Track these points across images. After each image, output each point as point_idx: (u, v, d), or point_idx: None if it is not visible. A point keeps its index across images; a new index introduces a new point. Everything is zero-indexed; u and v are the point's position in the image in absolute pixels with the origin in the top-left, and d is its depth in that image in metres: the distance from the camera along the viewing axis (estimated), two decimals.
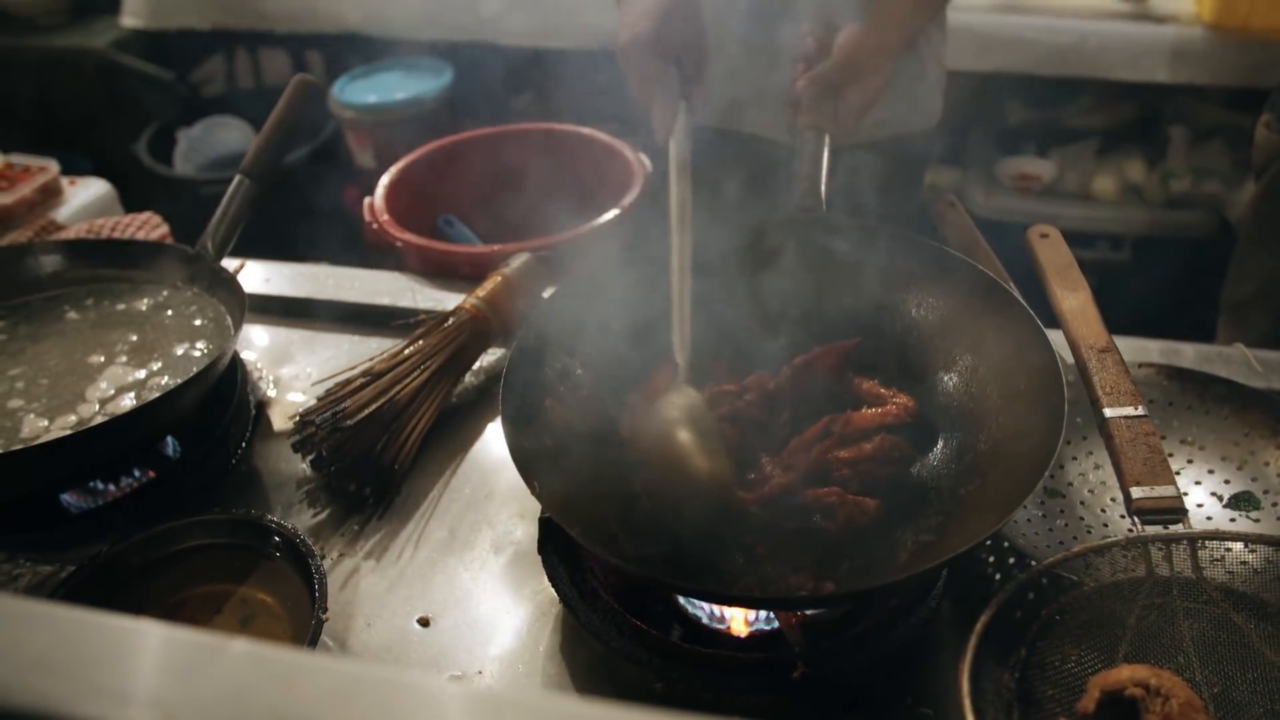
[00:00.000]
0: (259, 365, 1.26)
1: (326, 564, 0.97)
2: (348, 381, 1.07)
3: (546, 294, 1.01)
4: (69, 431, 0.96)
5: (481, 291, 1.18)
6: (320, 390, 1.08)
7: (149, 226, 1.43)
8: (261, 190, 1.19)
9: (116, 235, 1.42)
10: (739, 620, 0.87)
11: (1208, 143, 2.42)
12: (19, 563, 0.98)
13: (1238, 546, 0.75)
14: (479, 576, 0.96)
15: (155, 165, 2.76)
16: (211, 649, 0.35)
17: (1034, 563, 0.77)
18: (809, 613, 0.85)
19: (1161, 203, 2.44)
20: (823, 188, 1.04)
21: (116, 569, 0.89)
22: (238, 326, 1.06)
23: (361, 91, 2.73)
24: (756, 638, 0.86)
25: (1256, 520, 0.94)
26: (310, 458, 1.04)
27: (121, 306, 1.16)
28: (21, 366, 1.07)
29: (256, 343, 1.31)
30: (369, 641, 0.89)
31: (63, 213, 1.58)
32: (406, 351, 1.10)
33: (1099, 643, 0.71)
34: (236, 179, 1.18)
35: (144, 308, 1.15)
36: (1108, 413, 0.84)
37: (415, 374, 1.08)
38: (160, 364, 1.06)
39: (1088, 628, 0.72)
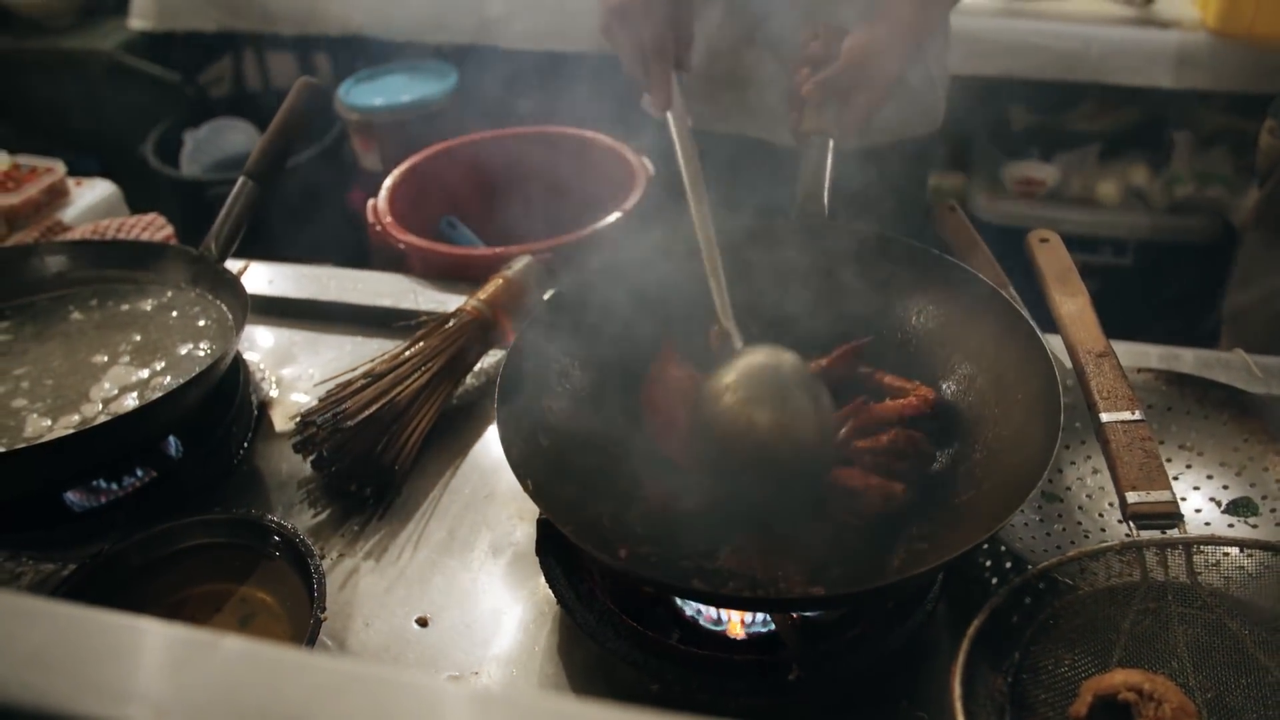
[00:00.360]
0: (262, 366, 1.27)
1: (326, 564, 0.98)
2: (349, 382, 1.07)
3: (546, 295, 1.02)
4: (71, 431, 0.97)
5: (482, 294, 1.19)
6: (322, 391, 1.08)
7: (154, 228, 1.44)
8: (265, 192, 1.19)
9: (121, 236, 1.43)
10: (735, 622, 0.87)
11: (1211, 148, 2.42)
12: (21, 561, 0.99)
13: (1233, 552, 0.75)
14: (478, 577, 0.96)
15: (161, 166, 2.78)
16: (204, 646, 0.36)
17: (1030, 566, 0.77)
18: (802, 615, 0.86)
19: (1165, 208, 2.43)
20: (825, 194, 1.04)
21: (117, 568, 0.90)
22: (240, 327, 1.06)
23: (367, 94, 2.74)
24: (753, 640, 0.86)
25: (1255, 526, 0.94)
26: (311, 458, 1.05)
27: (126, 307, 1.16)
28: (26, 366, 1.08)
29: (260, 343, 1.32)
30: (367, 641, 0.90)
31: (69, 213, 1.59)
32: (407, 353, 1.11)
33: (1093, 647, 0.72)
34: (240, 181, 1.18)
35: (148, 308, 1.16)
36: (1104, 417, 0.84)
37: (416, 375, 1.08)
38: (163, 364, 1.07)
39: (1082, 632, 0.72)
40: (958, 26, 1.54)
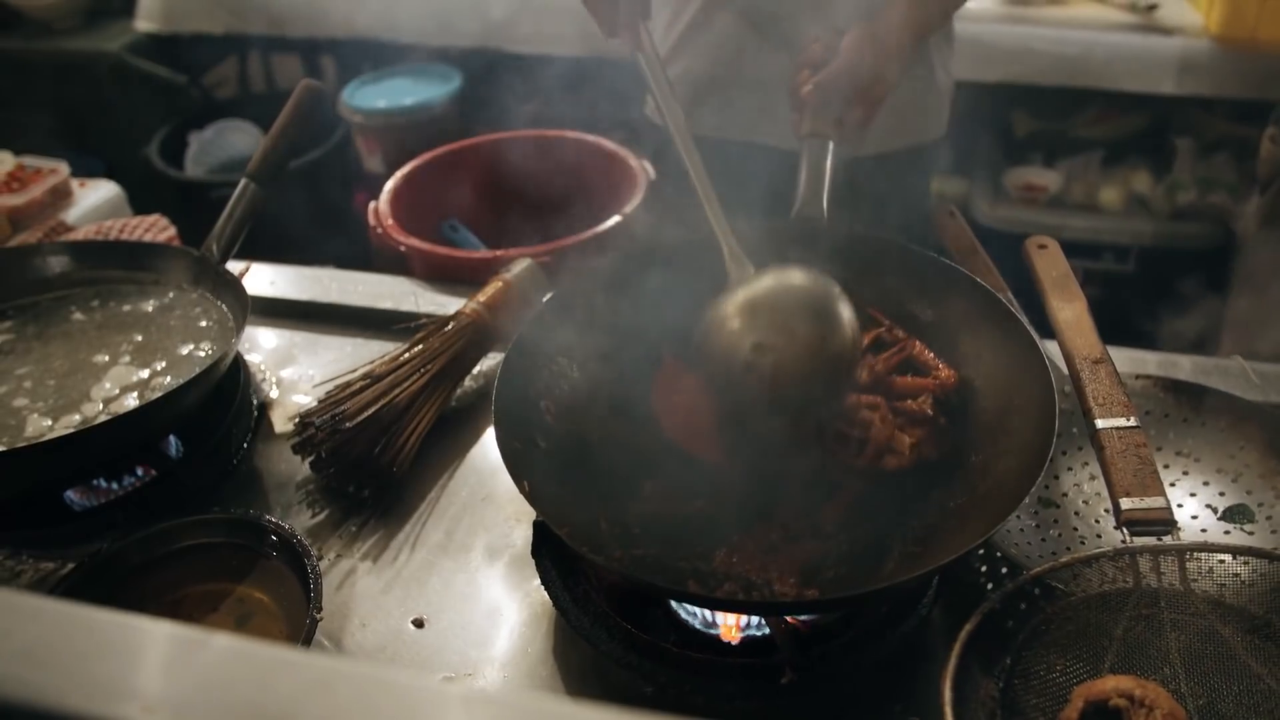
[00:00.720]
0: (262, 367, 1.27)
1: (324, 564, 0.98)
2: (348, 384, 1.08)
3: (545, 297, 1.02)
4: (72, 430, 0.97)
5: (482, 296, 1.19)
6: (322, 392, 1.09)
7: (156, 229, 1.45)
8: (267, 194, 1.20)
9: (124, 237, 1.44)
10: (730, 626, 0.87)
11: (1214, 155, 2.41)
12: (21, 559, 1.00)
13: (1226, 559, 0.75)
14: (474, 579, 0.97)
15: (166, 168, 2.79)
16: (193, 643, 0.36)
17: (1024, 572, 0.77)
18: (796, 619, 0.86)
19: (1167, 214, 2.43)
20: (825, 197, 1.04)
21: (116, 567, 0.90)
22: (240, 328, 1.07)
23: (371, 96, 2.75)
24: (747, 643, 0.86)
25: (1250, 534, 0.94)
26: (310, 459, 1.05)
27: (127, 308, 1.17)
28: (28, 366, 1.08)
29: (261, 344, 1.32)
30: (363, 641, 0.90)
31: (72, 214, 1.60)
32: (406, 355, 1.11)
33: (1085, 653, 0.72)
34: (242, 183, 1.19)
35: (149, 309, 1.17)
36: (1099, 424, 0.84)
37: (415, 377, 1.09)
38: (164, 364, 1.08)
39: (1074, 638, 0.72)
40: (961, 32, 1.55)
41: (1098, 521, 0.97)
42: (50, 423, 1.00)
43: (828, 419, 0.88)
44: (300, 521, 1.04)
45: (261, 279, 1.40)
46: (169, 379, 1.05)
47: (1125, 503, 0.77)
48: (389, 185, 1.53)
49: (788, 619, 0.84)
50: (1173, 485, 1.00)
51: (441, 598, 0.95)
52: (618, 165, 1.56)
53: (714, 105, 1.49)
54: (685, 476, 0.90)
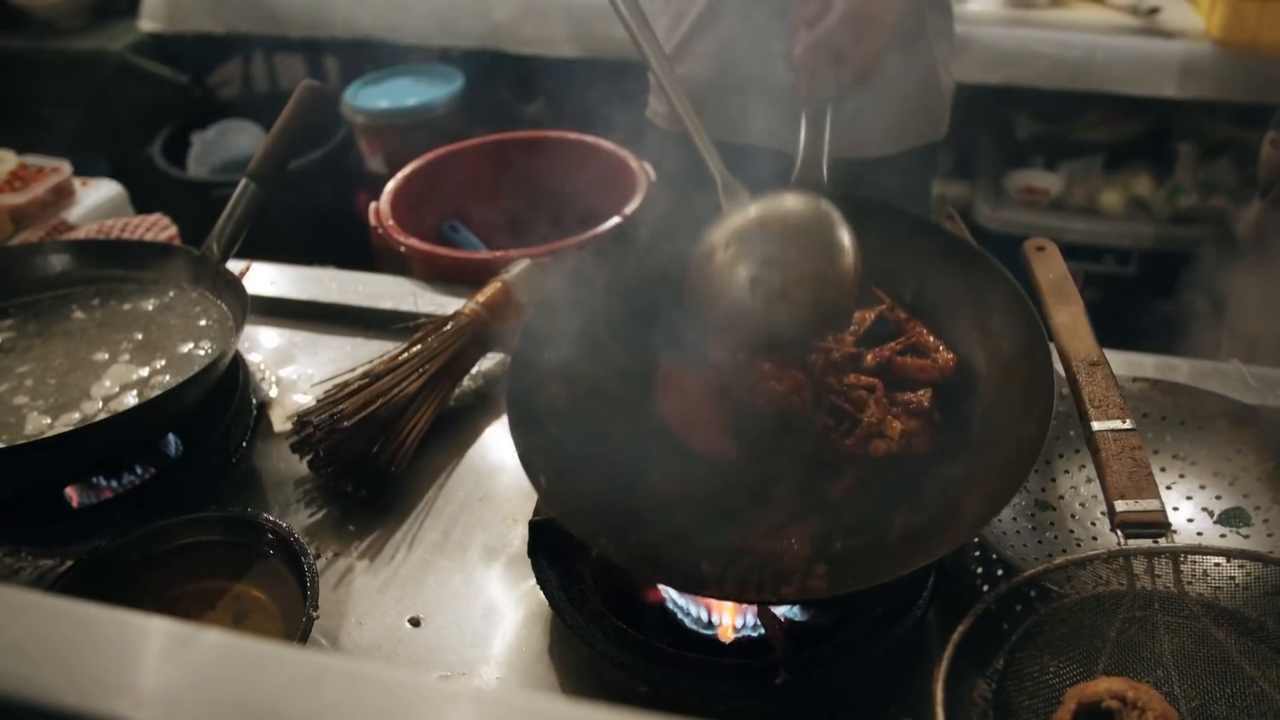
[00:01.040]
0: (262, 366, 1.28)
1: (321, 563, 0.99)
2: (346, 383, 1.08)
3: (552, 283, 1.00)
4: (71, 428, 0.98)
5: (481, 297, 1.19)
6: (321, 391, 1.09)
7: (158, 228, 1.46)
8: (268, 194, 1.20)
9: (126, 236, 1.44)
10: (725, 627, 0.87)
11: (1216, 158, 2.42)
12: (21, 556, 1.00)
13: (1220, 561, 0.75)
14: (471, 578, 0.97)
15: (168, 167, 2.80)
16: (184, 639, 0.36)
17: (1019, 574, 0.77)
18: (791, 619, 0.86)
19: (1168, 218, 2.43)
20: (824, 160, 1.00)
21: (114, 564, 0.91)
22: (239, 327, 1.07)
23: (373, 97, 2.76)
24: (742, 644, 0.86)
25: (1247, 537, 0.94)
26: (308, 458, 1.05)
27: (128, 306, 1.18)
28: (29, 364, 1.09)
29: (261, 344, 1.33)
30: (360, 640, 0.91)
31: (74, 213, 1.60)
32: (405, 355, 1.12)
33: (1078, 655, 0.72)
34: (242, 183, 1.20)
35: (150, 308, 1.17)
36: (1095, 426, 0.84)
37: (413, 377, 1.09)
38: (163, 362, 1.08)
39: (1068, 640, 0.72)
40: (964, 35, 1.55)
41: (1094, 524, 0.97)
42: (50, 421, 1.00)
43: (823, 396, 0.88)
44: (298, 520, 1.04)
45: (262, 278, 1.40)
46: (168, 377, 1.06)
47: (1120, 505, 0.77)
48: (390, 185, 1.54)
49: (783, 618, 0.85)
50: (1169, 488, 1.00)
51: (438, 597, 0.95)
52: (618, 166, 1.57)
53: (716, 109, 1.49)
54: (693, 464, 0.90)
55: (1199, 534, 0.95)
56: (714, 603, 0.88)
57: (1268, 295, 1.66)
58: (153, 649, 0.37)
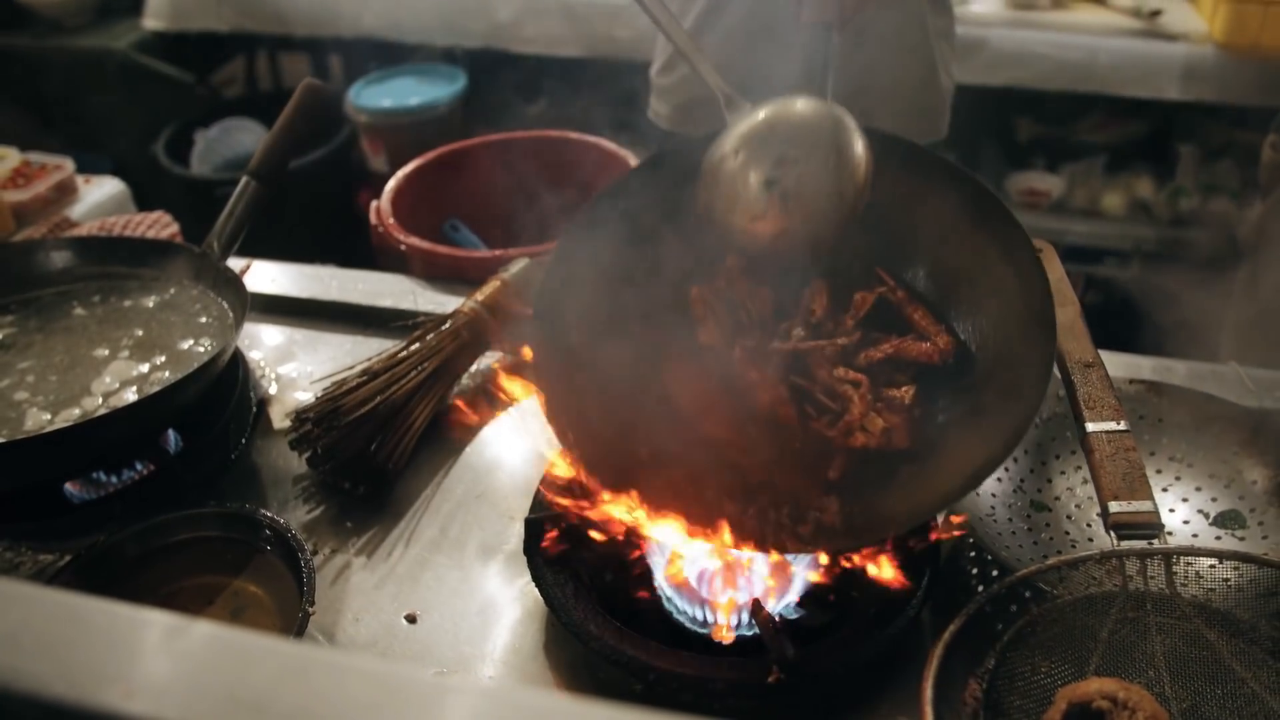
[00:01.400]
0: (262, 363, 1.28)
1: (319, 560, 0.99)
2: (345, 381, 1.08)
3: (559, 241, 0.97)
4: (70, 424, 0.98)
5: (480, 295, 1.20)
6: (320, 389, 1.10)
7: (159, 225, 1.46)
8: (268, 192, 1.21)
9: (127, 233, 1.45)
10: (721, 625, 0.88)
11: (1217, 161, 2.42)
12: (20, 551, 1.01)
13: (1213, 563, 0.75)
14: (467, 576, 0.97)
15: (172, 165, 2.81)
16: (175, 631, 0.37)
17: (1013, 574, 0.77)
18: (786, 620, 0.86)
19: (1170, 220, 2.43)
20: (829, 88, 0.98)
21: (112, 559, 0.91)
22: (239, 324, 1.08)
23: (376, 96, 2.76)
24: (737, 642, 0.87)
25: (1242, 539, 0.94)
26: (307, 455, 1.06)
27: (128, 303, 1.18)
28: (30, 360, 1.09)
29: (261, 341, 1.33)
30: (356, 636, 0.91)
31: (76, 210, 1.61)
32: (404, 353, 1.12)
33: (1070, 655, 0.72)
34: (243, 180, 1.20)
35: (150, 304, 1.18)
36: (1089, 427, 0.85)
37: (412, 375, 1.10)
38: (163, 359, 1.09)
39: (1059, 640, 0.72)
40: (966, 36, 1.55)
41: (1090, 525, 0.98)
42: (50, 416, 1.01)
43: (806, 388, 0.88)
44: (296, 517, 1.05)
45: (263, 276, 1.41)
46: (168, 374, 1.06)
47: (1113, 506, 0.78)
48: (391, 184, 1.54)
49: (777, 619, 0.85)
50: (1165, 490, 1.00)
51: (434, 594, 0.95)
52: (619, 167, 1.57)
53: (716, 108, 1.49)
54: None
55: (1194, 536, 0.95)
56: (709, 600, 0.89)
57: (1268, 298, 1.66)
58: (143, 640, 0.37)
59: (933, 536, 0.88)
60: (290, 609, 0.88)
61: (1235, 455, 1.00)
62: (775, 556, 0.85)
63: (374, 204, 1.51)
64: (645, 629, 0.86)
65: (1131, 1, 2.31)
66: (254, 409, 1.18)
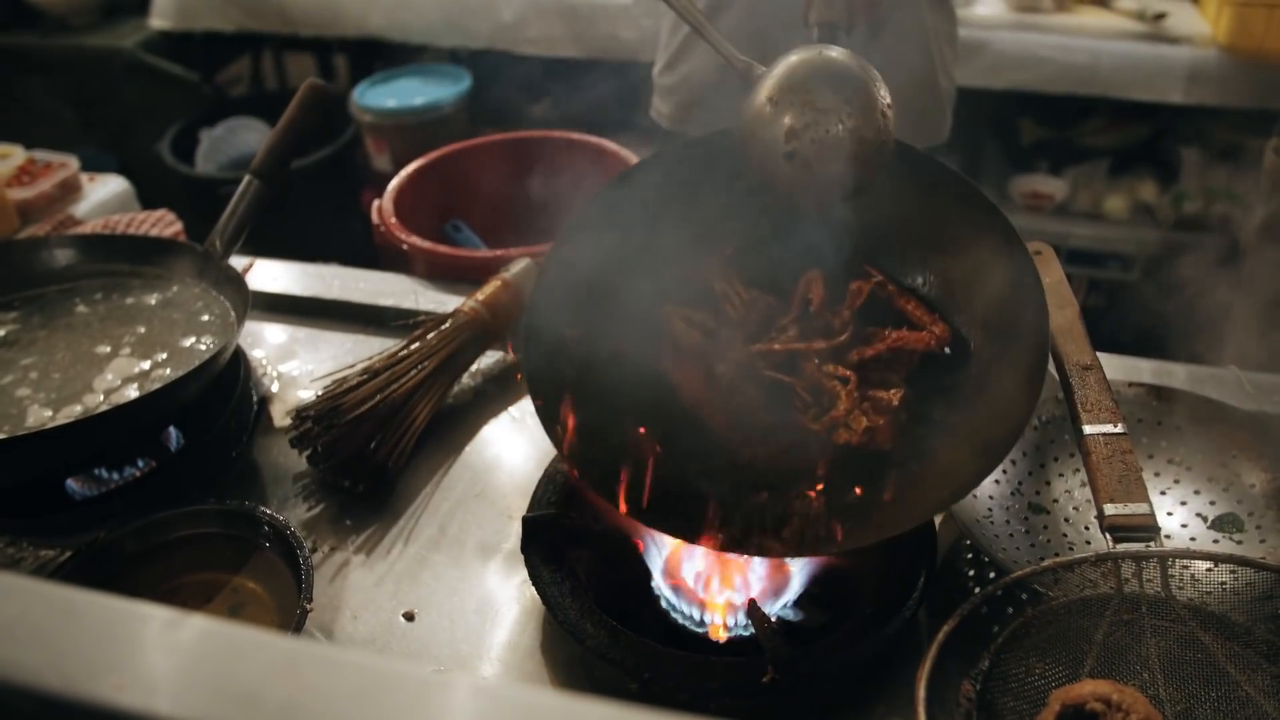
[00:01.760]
0: (264, 361, 1.29)
1: (318, 557, 1.00)
2: (346, 379, 1.09)
3: (562, 234, 0.99)
4: (72, 420, 0.99)
5: (481, 295, 1.20)
6: (321, 387, 1.10)
7: (163, 224, 1.47)
8: (271, 191, 1.21)
9: (131, 231, 1.45)
10: (717, 625, 0.88)
11: (1220, 165, 2.41)
12: (22, 546, 1.01)
13: (1208, 566, 0.75)
14: (465, 574, 0.98)
15: (176, 164, 2.82)
16: (166, 624, 0.37)
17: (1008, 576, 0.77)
18: (782, 620, 0.87)
19: (1173, 223, 2.43)
20: None
21: (112, 555, 0.92)
22: (241, 322, 1.08)
23: (381, 96, 2.77)
24: (732, 642, 0.87)
25: (1239, 542, 0.94)
26: (307, 453, 1.06)
27: (131, 300, 1.19)
28: (33, 357, 1.10)
29: (263, 339, 1.34)
30: (354, 633, 0.91)
31: (81, 208, 1.62)
32: (404, 352, 1.12)
33: (1065, 657, 0.72)
34: (245, 179, 1.21)
35: (153, 302, 1.18)
36: (1086, 430, 0.85)
37: (412, 374, 1.10)
38: (165, 356, 1.09)
39: (1054, 642, 0.73)
40: (969, 39, 1.56)
41: (1087, 528, 0.98)
42: (51, 413, 1.01)
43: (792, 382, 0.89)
44: (296, 514, 1.05)
45: (265, 275, 1.41)
46: (169, 371, 1.07)
47: (1109, 508, 0.78)
48: (393, 184, 1.55)
49: (773, 619, 0.85)
50: (1164, 493, 1.00)
51: (432, 592, 0.96)
52: (621, 167, 1.57)
53: (716, 110, 1.50)
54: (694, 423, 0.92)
55: (1192, 539, 0.95)
56: (706, 600, 0.89)
57: (1270, 302, 1.65)
58: (135, 634, 0.37)
59: None
60: (289, 606, 0.89)
61: (1234, 459, 1.00)
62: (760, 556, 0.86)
63: (376, 203, 1.51)
64: (642, 628, 0.87)
65: (1135, 4, 2.31)
66: (255, 407, 1.18)
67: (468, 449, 1.14)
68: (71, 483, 1.06)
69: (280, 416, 1.19)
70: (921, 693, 0.63)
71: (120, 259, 1.23)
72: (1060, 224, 2.49)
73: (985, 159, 2.66)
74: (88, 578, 0.89)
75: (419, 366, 1.11)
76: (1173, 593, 0.74)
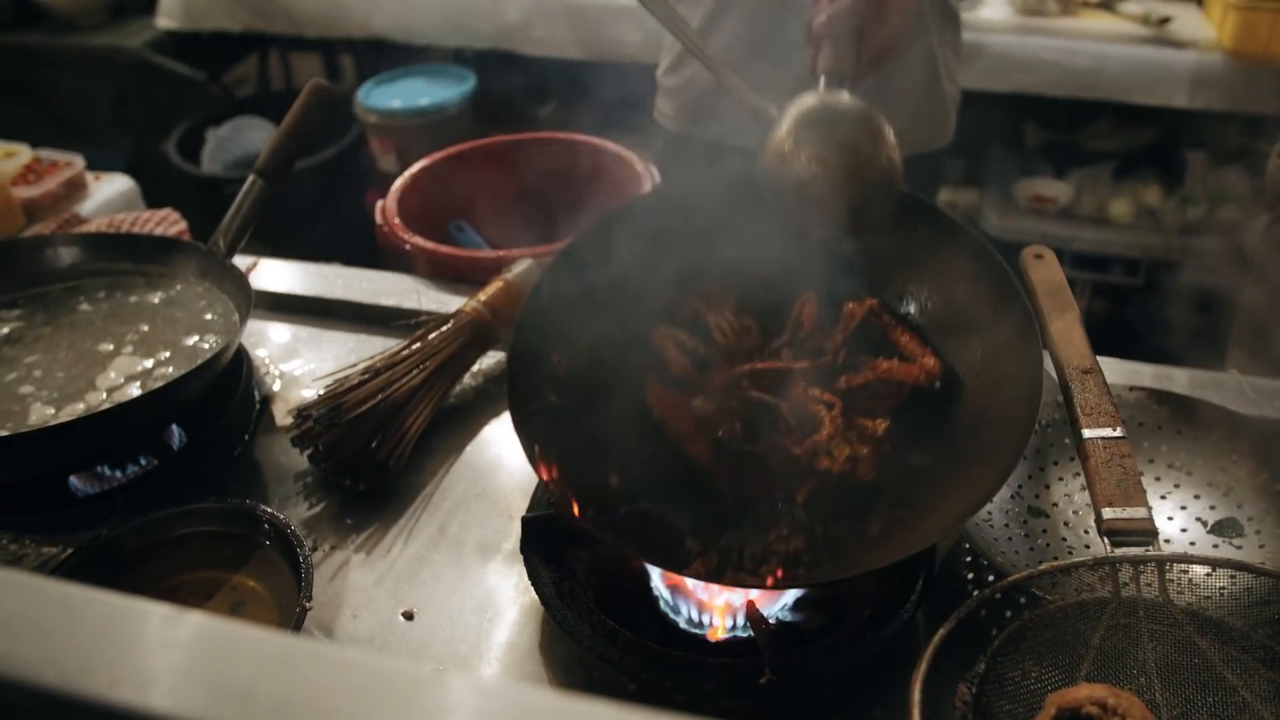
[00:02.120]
0: (267, 360, 1.29)
1: (318, 556, 1.00)
2: (347, 379, 1.09)
3: (554, 258, 1.01)
4: (74, 418, 0.99)
5: (483, 295, 1.21)
6: (323, 386, 1.10)
7: (167, 223, 1.47)
8: (275, 190, 1.22)
9: (135, 230, 1.46)
10: (715, 627, 0.88)
11: (1226, 169, 2.41)
12: (24, 543, 1.02)
13: (1206, 570, 0.75)
14: (465, 574, 0.98)
15: (183, 163, 2.83)
16: (161, 620, 0.37)
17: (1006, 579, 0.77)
18: (780, 621, 0.87)
19: (1178, 228, 2.43)
20: None
21: (113, 553, 0.92)
22: (243, 321, 1.09)
23: (386, 96, 2.78)
24: (730, 643, 0.87)
25: (1239, 547, 0.94)
26: (308, 452, 1.07)
27: (134, 299, 1.19)
28: (37, 354, 1.11)
29: (267, 339, 1.34)
30: (353, 632, 0.92)
31: (86, 207, 1.63)
32: (406, 351, 1.13)
33: (1061, 661, 0.72)
34: (250, 179, 1.21)
35: (156, 301, 1.19)
36: (1085, 433, 0.85)
37: (413, 373, 1.10)
38: (168, 354, 1.10)
39: (1051, 645, 0.73)
40: (974, 43, 1.56)
41: (1087, 532, 0.98)
42: (54, 411, 1.02)
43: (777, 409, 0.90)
44: (297, 513, 1.06)
45: (269, 274, 1.42)
46: (172, 369, 1.07)
47: (1107, 512, 0.78)
48: (396, 184, 1.55)
49: (771, 619, 0.85)
50: (1163, 498, 1.00)
51: (432, 591, 0.96)
52: (623, 168, 1.57)
53: (719, 112, 1.50)
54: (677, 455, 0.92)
55: (1192, 544, 0.95)
56: (704, 602, 0.89)
57: (1272, 307, 1.65)
58: (133, 630, 0.38)
59: None
60: (289, 604, 0.89)
61: (1234, 464, 1.00)
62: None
63: (379, 203, 1.52)
64: (641, 629, 0.87)
65: (1140, 9, 2.31)
66: (257, 406, 1.18)
67: (469, 449, 1.14)
68: (74, 480, 1.06)
69: (282, 415, 1.19)
70: (916, 695, 0.63)
71: (124, 258, 1.23)
72: (1064, 227, 2.48)
73: (990, 162, 2.66)
74: (89, 575, 0.90)
75: (420, 366, 1.11)
76: (1170, 597, 0.74)
